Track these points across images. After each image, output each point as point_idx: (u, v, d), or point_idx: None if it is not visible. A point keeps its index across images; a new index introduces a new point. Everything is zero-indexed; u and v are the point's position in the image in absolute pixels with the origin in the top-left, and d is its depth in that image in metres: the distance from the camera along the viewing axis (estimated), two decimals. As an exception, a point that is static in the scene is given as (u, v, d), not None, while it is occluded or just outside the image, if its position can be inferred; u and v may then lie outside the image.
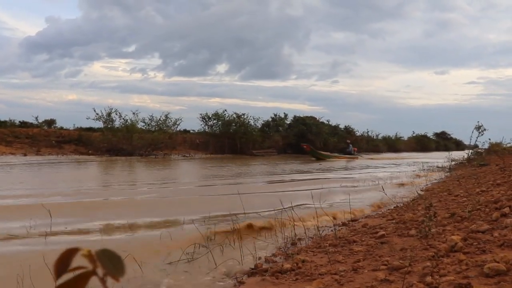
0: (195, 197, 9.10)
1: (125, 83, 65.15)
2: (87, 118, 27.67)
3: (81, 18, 69.84)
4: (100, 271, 0.47)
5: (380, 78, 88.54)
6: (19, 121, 32.38)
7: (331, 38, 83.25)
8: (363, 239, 4.16)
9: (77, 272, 0.48)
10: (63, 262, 0.48)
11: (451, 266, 2.65)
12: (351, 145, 31.05)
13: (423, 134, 58.51)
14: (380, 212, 6.67)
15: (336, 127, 40.23)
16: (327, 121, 39.53)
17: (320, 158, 26.94)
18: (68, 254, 0.48)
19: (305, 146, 27.40)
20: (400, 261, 2.92)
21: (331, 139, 36.71)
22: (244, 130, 31.68)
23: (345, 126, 42.49)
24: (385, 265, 2.97)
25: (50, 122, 33.18)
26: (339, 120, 69.13)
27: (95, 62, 75.71)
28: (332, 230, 5.17)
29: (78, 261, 0.51)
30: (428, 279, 2.47)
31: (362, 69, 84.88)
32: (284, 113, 38.47)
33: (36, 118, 32.24)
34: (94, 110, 27.47)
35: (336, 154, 29.94)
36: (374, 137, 47.44)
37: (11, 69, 64.07)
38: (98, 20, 66.41)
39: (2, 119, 32.39)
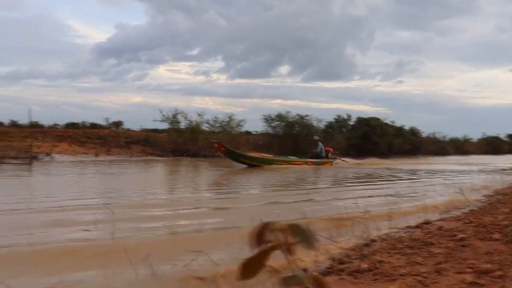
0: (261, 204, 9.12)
1: (188, 85, 66.68)
2: (153, 120, 28.55)
3: (147, 24, 72.29)
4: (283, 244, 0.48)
5: (448, 77, 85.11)
6: (90, 123, 34.03)
7: (396, 37, 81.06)
8: (441, 242, 4.02)
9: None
10: (259, 234, 0.49)
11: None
12: (321, 144, 21.85)
13: (494, 135, 55.46)
14: (454, 215, 6.42)
15: (400, 129, 39.12)
16: (392, 122, 38.44)
17: (246, 163, 18.95)
18: (264, 228, 0.49)
19: (216, 145, 19.57)
20: (489, 265, 2.79)
21: (395, 141, 35.77)
22: (307, 132, 31.49)
23: (410, 127, 41.20)
24: (471, 268, 2.84)
25: (118, 124, 34.64)
26: (403, 121, 67.16)
27: (160, 65, 78.24)
28: (405, 232, 5.03)
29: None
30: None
31: (428, 68, 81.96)
32: (348, 114, 37.93)
33: (107, 119, 33.77)
34: (161, 112, 28.23)
35: (290, 158, 21.19)
36: (441, 139, 45.70)
37: (83, 74, 67.29)
38: (163, 25, 68.42)
39: (75, 121, 34.18)
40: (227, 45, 74.11)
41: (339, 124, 36.36)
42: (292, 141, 30.94)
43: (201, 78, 69.85)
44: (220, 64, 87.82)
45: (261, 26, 69.33)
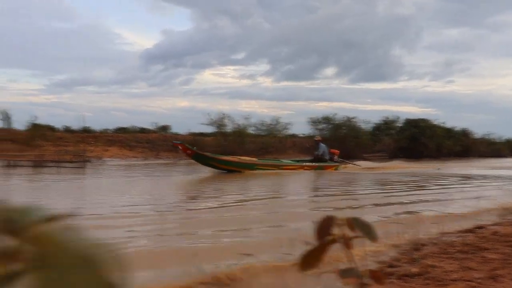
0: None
1: (234, 89, 67.29)
2: (201, 124, 29.04)
3: (193, 29, 73.55)
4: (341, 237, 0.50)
5: (502, 76, 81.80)
6: (139, 127, 34.99)
7: (444, 36, 78.89)
8: (496, 247, 3.89)
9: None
10: (322, 227, 0.52)
11: None
12: (323, 145, 18.89)
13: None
14: (510, 220, 6.19)
15: (451, 130, 37.96)
16: (442, 123, 37.35)
17: (220, 167, 16.24)
18: (326, 221, 0.52)
19: (179, 147, 16.72)
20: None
21: (445, 142, 34.77)
22: (355, 134, 31.17)
23: (461, 128, 39.90)
24: (529, 274, 2.74)
25: (166, 128, 35.47)
26: (454, 122, 65.20)
27: (206, 70, 79.36)
28: (457, 237, 4.90)
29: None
30: None
31: (481, 66, 79.18)
32: (395, 115, 37.23)
33: (155, 124, 34.67)
34: (209, 115, 28.63)
35: (283, 161, 18.52)
36: (496, 140, 43.96)
37: (131, 80, 69.34)
38: (208, 30, 69.52)
39: (125, 126, 35.23)
40: (272, 48, 74.36)
41: (386, 126, 35.73)
42: (339, 143, 30.66)
43: (246, 81, 70.39)
44: (265, 67, 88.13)
45: (305, 29, 69.26)
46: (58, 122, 40.79)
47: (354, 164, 19.72)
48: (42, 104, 51.98)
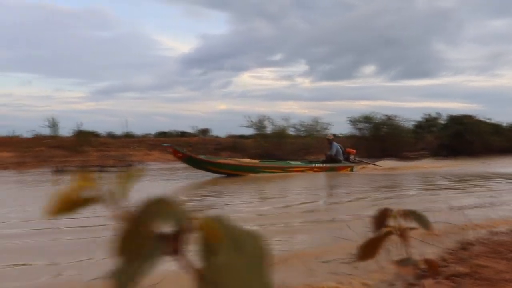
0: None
1: (272, 91, 67.30)
2: (240, 126, 29.15)
3: (230, 32, 74.08)
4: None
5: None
6: (179, 131, 35.58)
7: (489, 27, 75.78)
8: (550, 246, 3.74)
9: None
10: (379, 219, 0.53)
11: None
12: (336, 145, 17.56)
13: None
14: None
15: (498, 125, 36.54)
16: (488, 119, 36.02)
17: (217, 171, 15.00)
18: (383, 213, 0.52)
19: (170, 150, 15.84)
20: None
21: (492, 139, 33.55)
22: (396, 132, 30.64)
23: (510, 124, 38.28)
24: None
25: (205, 131, 35.93)
26: (501, 117, 62.75)
27: (244, 72, 79.71)
28: (508, 236, 4.74)
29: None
30: None
31: (530, 58, 75.80)
32: (437, 112, 36.34)
33: (195, 127, 35.17)
34: (248, 117, 28.74)
35: (290, 163, 16.98)
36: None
37: (170, 85, 70.35)
38: (245, 32, 69.83)
39: (165, 130, 35.90)
40: (310, 49, 73.96)
41: (428, 124, 34.92)
42: (380, 142, 30.23)
43: (285, 82, 70.28)
44: (303, 67, 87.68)
45: (343, 27, 68.57)
46: (101, 128, 41.90)
47: (375, 164, 18.06)
48: (85, 111, 53.60)
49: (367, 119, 32.03)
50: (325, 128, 30.59)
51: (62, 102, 54.59)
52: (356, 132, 32.47)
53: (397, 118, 32.06)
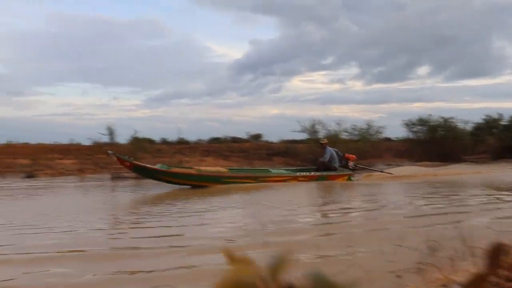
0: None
1: (323, 94, 66.62)
2: (292, 131, 29.00)
3: (280, 37, 73.73)
4: None
5: None
6: (231, 137, 35.83)
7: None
8: None
9: None
10: (493, 254, 0.47)
11: None
12: (330, 150, 15.36)
13: None
14: None
15: None
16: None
17: (172, 181, 13.26)
18: (497, 248, 0.46)
19: (116, 159, 13.22)
20: None
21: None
22: (453, 135, 29.62)
23: None
24: None
25: (257, 136, 36.02)
26: None
27: (295, 77, 79.24)
28: None
29: None
30: None
31: None
32: (498, 113, 34.82)
33: (247, 133, 35.37)
34: (300, 122, 28.60)
35: (272, 172, 14.80)
36: None
37: (222, 91, 71.01)
38: (295, 37, 69.35)
39: (217, 136, 36.26)
40: (361, 51, 72.55)
41: (488, 125, 33.52)
42: (437, 146, 29.31)
43: (336, 86, 69.42)
44: (355, 70, 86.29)
45: (395, 28, 66.79)
46: (155, 134, 42.86)
47: (384, 172, 16.21)
48: (140, 118, 54.95)
49: (422, 121, 31.20)
50: (379, 132, 29.96)
51: (119, 110, 56.27)
52: (411, 136, 31.67)
53: (455, 120, 31.02)
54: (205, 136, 37.77)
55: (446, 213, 7.01)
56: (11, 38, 60.97)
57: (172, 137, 34.82)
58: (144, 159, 24.23)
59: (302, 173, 14.40)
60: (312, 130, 28.43)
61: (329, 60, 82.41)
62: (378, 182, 14.09)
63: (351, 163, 15.39)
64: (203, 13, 76.40)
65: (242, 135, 35.42)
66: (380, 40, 67.97)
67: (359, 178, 15.52)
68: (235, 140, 34.41)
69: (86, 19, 65.40)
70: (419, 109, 71.76)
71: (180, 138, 33.20)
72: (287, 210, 7.94)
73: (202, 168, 14.34)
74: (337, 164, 15.05)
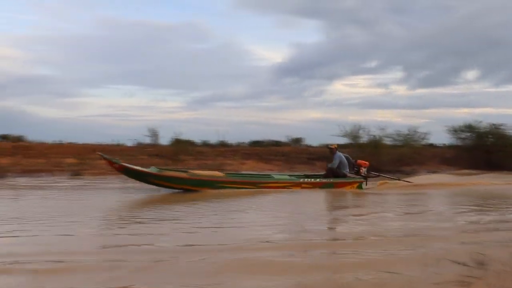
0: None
1: (366, 99, 65.57)
2: (334, 135, 28.58)
3: (323, 41, 72.97)
4: None
5: None
6: (273, 141, 35.76)
7: None
8: None
9: None
10: None
11: None
12: (340, 155, 14.35)
13: None
14: None
15: None
16: None
17: (164, 185, 12.77)
18: None
19: (104, 161, 13.16)
20: None
21: None
22: (503, 143, 28.49)
23: None
24: None
25: (298, 140, 35.83)
26: None
27: (337, 81, 78.23)
28: None
29: None
30: None
31: None
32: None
33: (289, 137, 35.24)
34: (342, 126, 28.12)
35: (275, 177, 14.20)
36: None
37: (264, 94, 70.93)
38: (338, 40, 68.62)
39: (258, 139, 36.29)
40: (406, 54, 70.97)
41: (541, 133, 32.03)
42: (485, 154, 28.26)
43: (379, 90, 68.21)
44: (399, 74, 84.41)
45: (443, 31, 64.93)
46: (197, 137, 43.30)
47: (402, 180, 15.29)
48: (182, 120, 55.74)
49: (469, 128, 30.12)
50: (423, 138, 29.12)
51: (161, 112, 57.31)
52: (457, 142, 30.64)
53: (505, 127, 29.79)
54: (246, 139, 37.91)
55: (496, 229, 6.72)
56: (61, 43, 63.36)
57: (213, 139, 35.15)
58: (186, 161, 24.56)
59: (306, 180, 13.61)
60: (354, 135, 28.00)
61: (372, 63, 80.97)
62: (392, 192, 13.20)
63: (363, 170, 14.38)
64: (245, 16, 76.87)
65: (283, 138, 35.32)
66: (426, 43, 66.32)
67: (373, 186, 14.67)
68: (276, 143, 34.34)
69: (133, 23, 67.11)
70: (465, 114, 69.50)
71: (221, 140, 33.43)
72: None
73: (196, 171, 13.67)
74: (347, 171, 14.21)
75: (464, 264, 4.14)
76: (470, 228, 6.68)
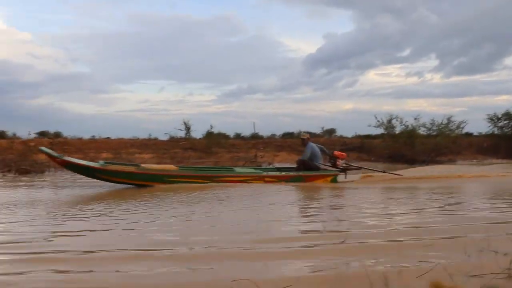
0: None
1: (399, 88, 64.53)
2: (368, 126, 28.24)
3: (355, 30, 72.16)
4: None
5: None
6: (305, 132, 35.60)
7: None
8: None
9: None
10: None
11: None
12: (312, 146, 12.82)
13: None
14: None
15: None
16: None
17: (109, 180, 11.73)
18: None
19: (48, 156, 12.11)
20: None
21: None
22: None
23: None
24: None
25: (331, 131, 35.64)
26: None
27: (369, 70, 77.30)
28: None
29: None
30: None
31: None
32: None
33: (321, 128, 35.04)
34: (376, 117, 27.80)
35: (236, 170, 12.92)
36: None
37: (296, 86, 70.67)
38: (370, 29, 67.63)
39: (290, 131, 36.22)
40: (440, 42, 69.27)
41: None
42: (525, 143, 27.42)
43: (413, 79, 66.97)
44: (433, 62, 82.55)
45: (480, 16, 62.95)
46: (229, 129, 43.58)
47: (389, 173, 13.47)
48: (214, 113, 56.21)
49: (508, 116, 29.27)
50: (459, 127, 28.37)
51: (194, 106, 57.95)
52: (496, 131, 29.81)
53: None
54: (278, 131, 37.95)
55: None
56: (94, 40, 64.84)
57: (245, 132, 35.33)
58: (219, 154, 24.73)
59: (270, 173, 12.48)
60: (389, 125, 27.63)
61: (405, 52, 79.55)
62: (373, 186, 11.43)
63: (340, 162, 13.07)
64: (275, 8, 76.64)
65: (316, 129, 35.10)
66: (462, 29, 64.56)
67: (354, 179, 13.10)
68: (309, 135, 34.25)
69: (164, 18, 68.07)
70: (504, 102, 67.53)
71: (254, 133, 33.51)
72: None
73: (145, 165, 12.84)
74: (318, 162, 12.87)
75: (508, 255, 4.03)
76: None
